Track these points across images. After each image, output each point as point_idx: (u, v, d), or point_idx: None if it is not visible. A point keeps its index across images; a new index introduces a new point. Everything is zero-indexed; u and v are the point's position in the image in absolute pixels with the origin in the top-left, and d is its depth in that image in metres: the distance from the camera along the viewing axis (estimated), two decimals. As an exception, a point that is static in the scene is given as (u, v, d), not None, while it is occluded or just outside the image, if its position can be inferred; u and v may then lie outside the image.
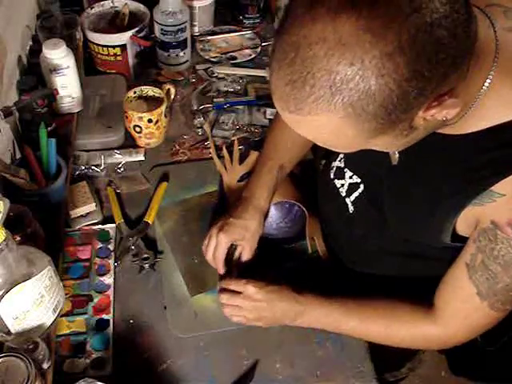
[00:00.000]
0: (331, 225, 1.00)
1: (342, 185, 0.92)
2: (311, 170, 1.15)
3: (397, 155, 0.76)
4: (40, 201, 0.93)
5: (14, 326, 0.72)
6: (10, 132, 1.01)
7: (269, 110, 1.26)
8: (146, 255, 0.98)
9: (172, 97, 1.25)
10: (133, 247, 0.99)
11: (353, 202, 0.90)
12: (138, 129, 1.13)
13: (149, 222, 1.03)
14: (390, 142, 0.61)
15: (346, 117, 0.54)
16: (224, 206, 1.06)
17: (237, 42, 1.46)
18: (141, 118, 1.11)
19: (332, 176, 0.95)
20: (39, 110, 1.00)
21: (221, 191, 1.10)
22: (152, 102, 1.16)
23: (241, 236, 0.93)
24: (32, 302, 0.72)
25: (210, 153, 1.16)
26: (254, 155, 1.10)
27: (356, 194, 0.89)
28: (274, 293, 0.86)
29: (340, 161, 0.93)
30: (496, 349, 1.58)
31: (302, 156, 1.04)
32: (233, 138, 1.19)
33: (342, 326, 0.86)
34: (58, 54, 1.04)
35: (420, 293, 0.82)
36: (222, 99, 1.28)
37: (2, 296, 0.68)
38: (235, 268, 0.94)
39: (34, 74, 1.08)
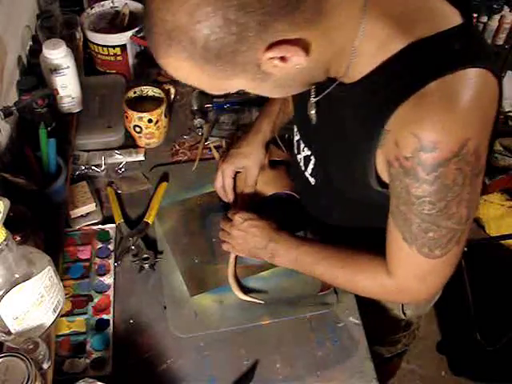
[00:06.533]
0: (303, 200, 1.02)
1: (300, 159, 0.94)
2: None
3: (313, 112, 0.80)
4: (40, 201, 0.93)
5: (14, 326, 0.72)
6: (10, 132, 1.01)
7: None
8: (145, 255, 0.98)
9: (172, 97, 1.25)
10: (133, 247, 0.99)
11: (311, 175, 0.92)
12: (137, 129, 1.13)
13: (149, 222, 1.03)
14: (250, 85, 0.63)
15: (186, 60, 0.58)
16: (225, 206, 1.06)
17: (237, 42, 1.45)
18: (141, 118, 1.12)
19: (295, 151, 0.96)
20: (39, 109, 1.00)
21: None
22: (152, 102, 1.16)
23: (241, 164, 0.99)
24: (32, 302, 0.72)
25: (211, 152, 1.17)
26: None
27: (311, 165, 0.90)
28: (255, 227, 0.92)
29: (296, 134, 0.94)
30: (496, 349, 1.59)
31: None
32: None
33: (314, 271, 0.88)
34: (57, 54, 1.04)
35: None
36: (221, 99, 1.28)
37: (2, 296, 0.68)
38: (240, 198, 1.01)
39: (34, 74, 1.08)
